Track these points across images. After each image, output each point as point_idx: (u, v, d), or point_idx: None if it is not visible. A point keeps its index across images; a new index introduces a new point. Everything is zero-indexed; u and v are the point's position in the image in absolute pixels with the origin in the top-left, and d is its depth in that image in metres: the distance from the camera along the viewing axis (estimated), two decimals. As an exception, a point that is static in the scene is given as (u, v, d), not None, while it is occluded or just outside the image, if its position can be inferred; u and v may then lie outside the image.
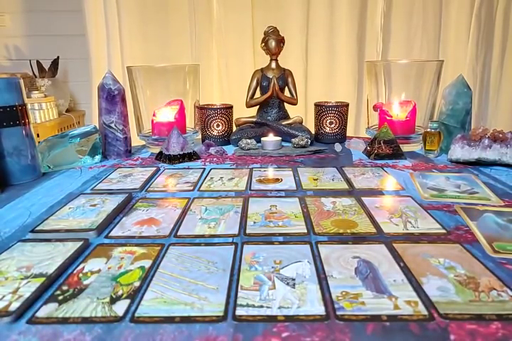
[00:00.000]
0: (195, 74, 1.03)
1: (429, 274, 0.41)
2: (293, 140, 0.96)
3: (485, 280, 0.39)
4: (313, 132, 1.06)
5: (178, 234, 0.52)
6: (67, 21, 1.92)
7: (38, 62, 1.80)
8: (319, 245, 0.47)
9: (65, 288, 0.39)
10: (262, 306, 0.36)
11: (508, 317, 0.34)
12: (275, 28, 1.06)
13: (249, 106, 1.09)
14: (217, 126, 1.03)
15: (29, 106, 1.05)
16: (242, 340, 0.32)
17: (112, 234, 0.52)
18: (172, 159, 0.87)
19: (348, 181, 0.72)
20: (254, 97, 1.09)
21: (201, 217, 0.57)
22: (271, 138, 0.95)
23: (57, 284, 0.40)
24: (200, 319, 0.34)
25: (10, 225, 0.55)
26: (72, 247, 0.47)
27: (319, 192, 0.67)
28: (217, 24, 1.68)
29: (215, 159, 0.91)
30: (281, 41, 1.05)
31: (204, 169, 0.82)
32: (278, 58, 1.07)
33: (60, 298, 0.38)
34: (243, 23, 1.66)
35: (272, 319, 0.34)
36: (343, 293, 0.38)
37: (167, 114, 0.99)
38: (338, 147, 0.97)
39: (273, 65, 1.07)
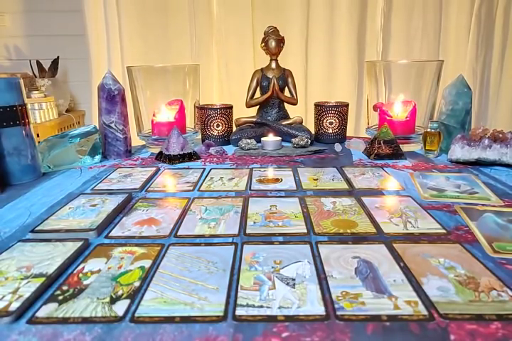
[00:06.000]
0: (195, 75, 1.03)
1: (429, 274, 0.41)
2: (293, 140, 0.96)
3: (485, 281, 0.39)
4: (313, 132, 1.06)
5: (178, 234, 0.52)
6: (67, 21, 1.92)
7: (38, 62, 1.80)
8: (319, 245, 0.47)
9: (65, 288, 0.39)
10: (262, 306, 0.36)
11: (508, 317, 0.34)
12: (275, 27, 1.05)
13: (249, 106, 1.09)
14: (217, 126, 1.03)
15: (29, 106, 1.05)
16: (242, 340, 0.32)
17: (112, 234, 0.52)
18: (172, 159, 0.87)
19: (348, 181, 0.72)
20: (254, 97, 1.09)
21: (201, 217, 0.57)
22: (271, 138, 0.95)
23: (57, 284, 0.40)
24: (200, 319, 0.34)
25: (10, 225, 0.55)
26: (72, 247, 0.47)
27: (319, 192, 0.67)
28: (217, 25, 1.68)
29: (215, 159, 0.91)
30: (281, 41, 1.04)
31: (204, 169, 0.82)
32: (278, 58, 1.07)
33: (60, 298, 0.38)
34: (243, 24, 1.66)
35: (271, 319, 0.34)
36: (343, 293, 0.38)
37: (167, 114, 0.99)
38: (338, 147, 0.97)
39: (273, 65, 1.07)
